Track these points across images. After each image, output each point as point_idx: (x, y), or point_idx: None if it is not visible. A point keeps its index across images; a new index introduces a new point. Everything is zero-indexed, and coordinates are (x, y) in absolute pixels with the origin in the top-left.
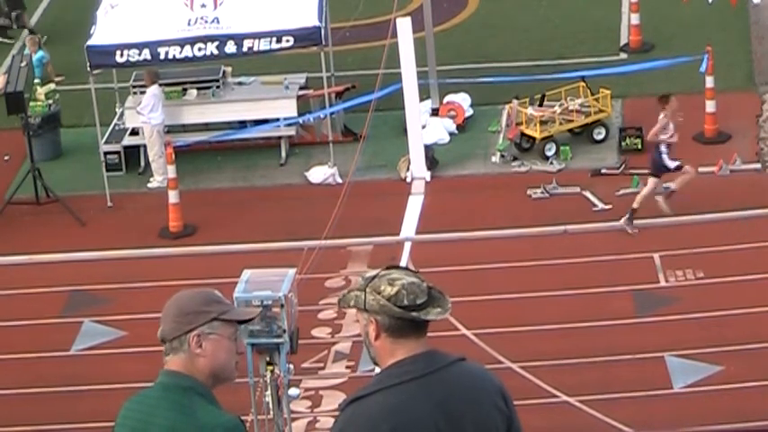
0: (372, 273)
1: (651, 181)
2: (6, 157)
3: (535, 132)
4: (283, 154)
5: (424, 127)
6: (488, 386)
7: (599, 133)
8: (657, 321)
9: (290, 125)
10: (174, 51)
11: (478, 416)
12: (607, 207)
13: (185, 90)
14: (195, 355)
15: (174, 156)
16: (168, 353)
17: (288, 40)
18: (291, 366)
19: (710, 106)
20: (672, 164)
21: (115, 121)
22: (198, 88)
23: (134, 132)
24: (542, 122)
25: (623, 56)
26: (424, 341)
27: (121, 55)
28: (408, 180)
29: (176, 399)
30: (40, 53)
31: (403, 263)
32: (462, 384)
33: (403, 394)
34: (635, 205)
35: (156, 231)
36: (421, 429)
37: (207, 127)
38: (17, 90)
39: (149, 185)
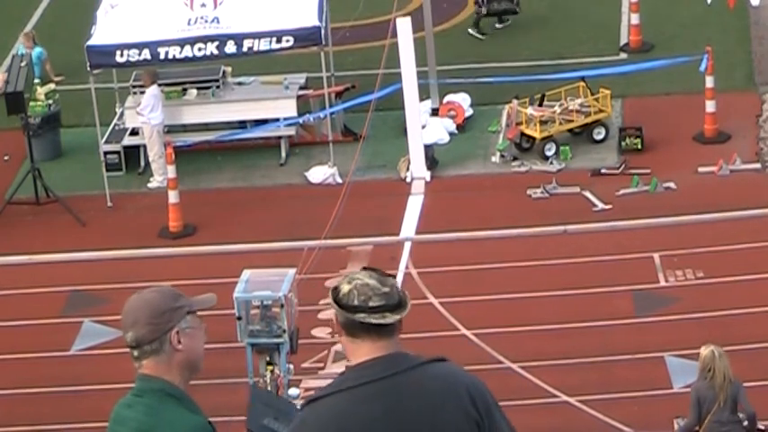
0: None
1: None
2: (6, 157)
3: (535, 132)
4: (283, 154)
5: (424, 127)
6: (455, 391)
7: (599, 133)
8: (657, 321)
9: (290, 125)
10: (174, 51)
11: (438, 421)
12: (607, 207)
13: (185, 90)
14: (174, 353)
15: (174, 156)
16: (143, 357)
17: (288, 40)
18: (291, 366)
19: (710, 106)
20: None
21: (115, 121)
22: (198, 88)
23: (134, 132)
24: (542, 122)
25: (623, 56)
26: (387, 344)
27: (121, 55)
28: (408, 180)
29: (147, 402)
30: (38, 49)
31: (403, 263)
32: (423, 389)
33: (356, 397)
34: None
35: (156, 231)
36: None
37: (207, 127)
38: (17, 90)
39: (149, 185)
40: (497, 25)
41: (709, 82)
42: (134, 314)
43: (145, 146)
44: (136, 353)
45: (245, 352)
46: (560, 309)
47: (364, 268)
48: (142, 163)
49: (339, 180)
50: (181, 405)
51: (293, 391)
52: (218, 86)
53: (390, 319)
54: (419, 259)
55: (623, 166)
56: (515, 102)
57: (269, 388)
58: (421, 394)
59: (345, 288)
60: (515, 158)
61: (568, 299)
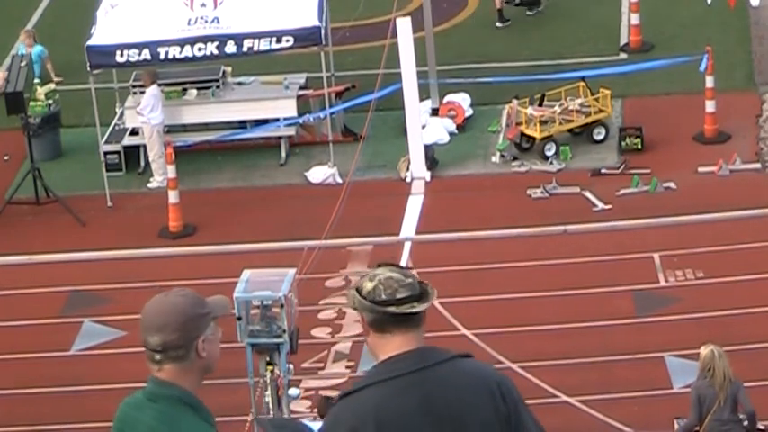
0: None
1: None
2: (6, 157)
3: (535, 132)
4: (283, 154)
5: (423, 127)
6: (484, 385)
7: (599, 133)
8: (657, 321)
9: (290, 125)
10: (174, 51)
11: (467, 415)
12: (607, 207)
13: (185, 90)
14: (197, 359)
15: (174, 156)
16: (165, 361)
17: (288, 40)
18: (291, 366)
19: (710, 106)
20: None
21: (115, 121)
22: (198, 88)
23: (134, 132)
24: (542, 122)
25: (623, 56)
26: (416, 336)
27: (121, 55)
28: (408, 180)
29: (160, 408)
30: (39, 48)
31: (403, 263)
32: (453, 382)
33: (391, 390)
34: None
35: (156, 231)
36: (406, 425)
37: (207, 127)
38: (17, 90)
39: (149, 185)
40: (498, 24)
41: (709, 82)
42: (163, 318)
43: (145, 146)
44: (158, 357)
45: (245, 352)
46: (560, 309)
47: (380, 264)
48: (142, 163)
49: (339, 180)
50: (196, 414)
51: (293, 392)
52: (218, 86)
53: (419, 307)
54: (419, 259)
55: (623, 166)
56: (515, 102)
57: (269, 388)
58: (452, 388)
59: (369, 285)
60: (515, 158)
61: (568, 299)
